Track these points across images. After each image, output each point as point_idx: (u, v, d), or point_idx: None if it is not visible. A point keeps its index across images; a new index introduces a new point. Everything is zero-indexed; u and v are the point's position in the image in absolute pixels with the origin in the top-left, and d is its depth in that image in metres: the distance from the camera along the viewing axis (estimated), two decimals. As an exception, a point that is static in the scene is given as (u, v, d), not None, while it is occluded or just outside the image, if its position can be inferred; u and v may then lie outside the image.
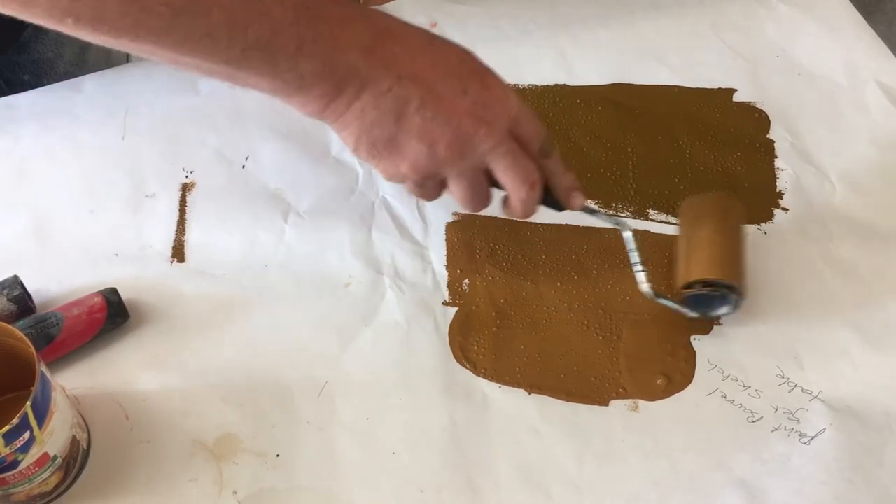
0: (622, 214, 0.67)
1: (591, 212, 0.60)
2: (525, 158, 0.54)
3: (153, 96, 0.74)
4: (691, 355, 0.60)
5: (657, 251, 0.65)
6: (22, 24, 0.73)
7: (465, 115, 0.51)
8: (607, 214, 0.60)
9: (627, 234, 0.60)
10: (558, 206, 0.58)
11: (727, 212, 0.63)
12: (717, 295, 0.59)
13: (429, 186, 0.55)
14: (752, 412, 0.57)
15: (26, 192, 0.68)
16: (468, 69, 0.52)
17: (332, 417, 0.57)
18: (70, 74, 0.78)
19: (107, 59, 0.87)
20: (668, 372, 0.59)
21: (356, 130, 0.51)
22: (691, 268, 0.60)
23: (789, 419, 0.57)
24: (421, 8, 0.82)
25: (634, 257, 0.60)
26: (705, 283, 0.59)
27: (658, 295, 0.60)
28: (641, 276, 0.59)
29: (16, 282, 0.59)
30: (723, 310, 0.60)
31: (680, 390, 0.58)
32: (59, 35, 0.77)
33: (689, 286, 0.60)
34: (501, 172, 0.54)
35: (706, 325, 0.61)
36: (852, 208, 0.68)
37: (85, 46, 0.83)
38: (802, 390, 0.58)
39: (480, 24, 0.81)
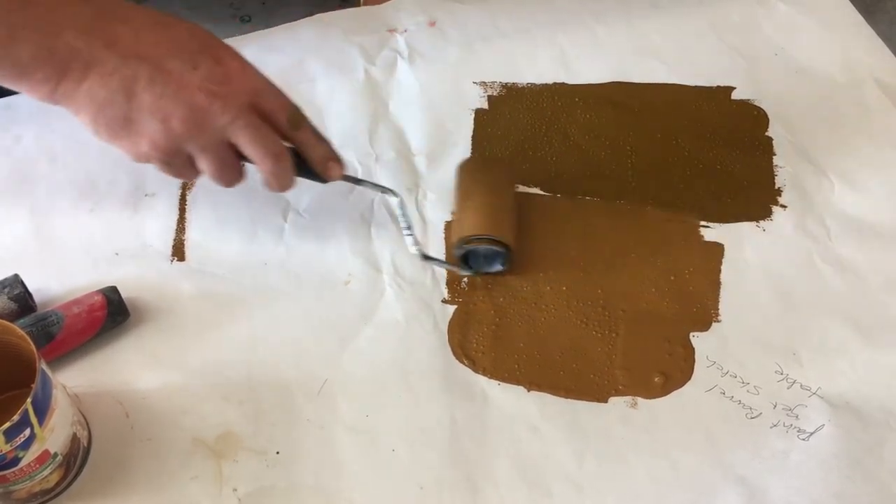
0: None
1: (355, 181, 0.61)
2: (267, 130, 0.55)
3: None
4: (690, 352, 0.60)
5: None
6: None
7: (196, 90, 0.52)
8: (371, 183, 0.62)
9: (395, 200, 0.62)
10: (318, 177, 0.59)
11: (494, 172, 0.66)
12: (486, 251, 0.62)
13: (177, 164, 0.55)
14: (751, 409, 0.57)
15: (27, 192, 0.68)
16: (199, 45, 0.53)
17: (331, 415, 0.57)
18: None
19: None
20: (666, 369, 0.59)
21: (90, 112, 0.52)
22: (463, 226, 0.62)
23: (788, 415, 0.57)
24: (420, 7, 0.82)
25: (403, 222, 0.62)
26: (473, 239, 0.61)
27: (427, 257, 0.62)
28: (409, 240, 0.62)
29: (16, 280, 0.59)
30: (496, 266, 0.62)
31: (678, 387, 0.59)
32: None
33: (459, 245, 0.62)
34: (244, 146, 0.55)
35: (705, 322, 0.62)
36: (850, 205, 0.68)
37: None
38: (801, 387, 0.58)
39: (480, 23, 0.81)
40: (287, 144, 0.57)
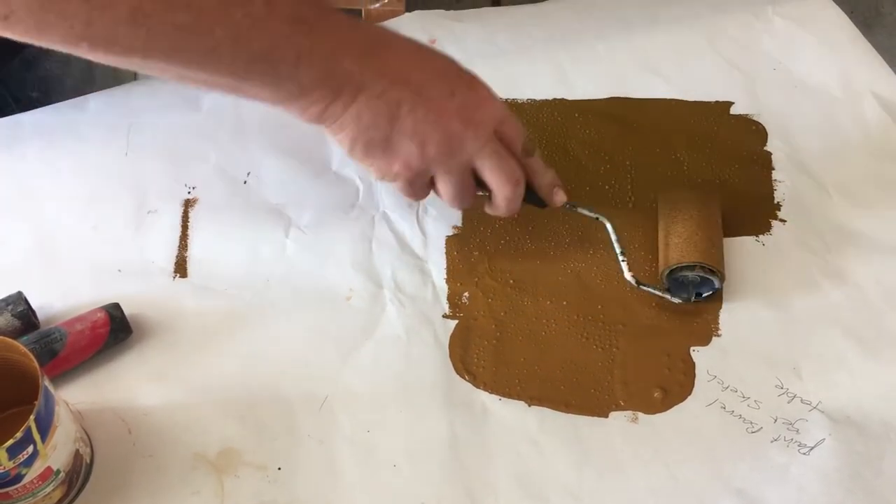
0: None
1: (573, 206, 0.63)
2: (509, 158, 0.57)
3: (156, 114, 0.75)
4: (690, 367, 0.60)
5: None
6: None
7: (453, 116, 0.54)
8: (588, 210, 0.63)
9: (609, 226, 0.62)
10: (541, 202, 0.61)
11: (703, 200, 0.65)
12: (696, 278, 0.61)
13: (418, 185, 0.58)
14: (751, 423, 0.58)
15: (31, 209, 0.69)
16: (455, 74, 0.56)
17: (332, 430, 0.57)
18: (77, 91, 0.79)
19: (114, 76, 0.88)
20: (666, 384, 0.59)
21: (352, 132, 0.54)
22: (669, 254, 0.62)
23: (788, 429, 0.57)
24: (420, 25, 0.83)
25: (617, 248, 0.62)
26: (684, 268, 0.61)
27: (640, 283, 0.62)
28: (624, 266, 0.62)
29: (20, 298, 0.60)
30: (704, 293, 0.62)
31: (679, 402, 0.59)
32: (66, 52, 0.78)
33: (670, 273, 0.62)
34: (488, 171, 0.57)
35: (705, 336, 0.62)
36: (850, 219, 0.68)
37: (93, 64, 0.84)
38: (801, 401, 0.59)
39: (479, 41, 0.82)
40: None
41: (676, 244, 0.62)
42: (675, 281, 0.62)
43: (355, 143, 0.55)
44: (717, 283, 0.62)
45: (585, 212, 0.63)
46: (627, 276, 0.62)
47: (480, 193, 0.60)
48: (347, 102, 0.53)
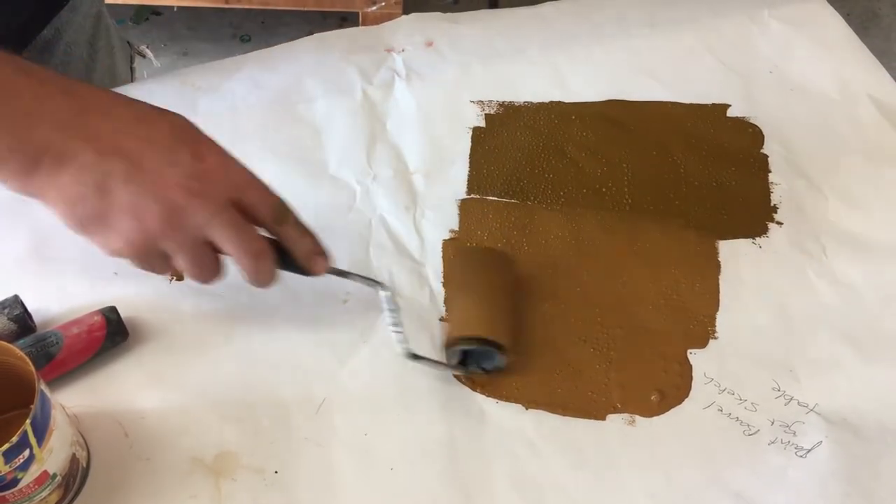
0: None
1: (341, 274, 0.59)
2: (247, 227, 0.54)
3: (152, 116, 0.75)
4: (687, 370, 0.60)
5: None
6: (23, 42, 0.74)
7: (175, 187, 0.51)
8: (359, 276, 0.59)
9: (383, 294, 0.59)
10: (303, 271, 0.57)
11: (490, 265, 0.63)
12: (480, 350, 0.58)
13: (152, 261, 0.54)
14: (748, 425, 0.58)
15: (26, 212, 0.68)
16: (179, 140, 0.52)
17: (330, 434, 0.57)
18: None
19: (111, 79, 0.88)
20: (663, 387, 0.59)
21: (62, 207, 0.51)
22: (453, 326, 0.60)
23: (785, 432, 0.57)
24: (417, 27, 0.83)
25: (390, 318, 0.58)
26: (467, 339, 0.58)
27: (415, 356, 0.58)
28: (396, 337, 0.58)
29: (16, 301, 0.60)
30: (488, 365, 0.59)
31: (676, 404, 0.59)
32: (64, 57, 0.78)
33: (448, 345, 0.59)
34: (223, 244, 0.53)
35: (702, 339, 0.62)
36: (846, 222, 0.69)
37: (90, 68, 0.84)
38: (798, 403, 0.59)
39: (476, 43, 0.82)
40: (269, 236, 0.56)
41: (460, 317, 0.60)
42: (459, 352, 0.59)
43: (67, 219, 0.52)
44: (498, 361, 0.58)
45: (358, 279, 0.59)
46: (398, 348, 0.57)
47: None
48: (51, 175, 0.50)
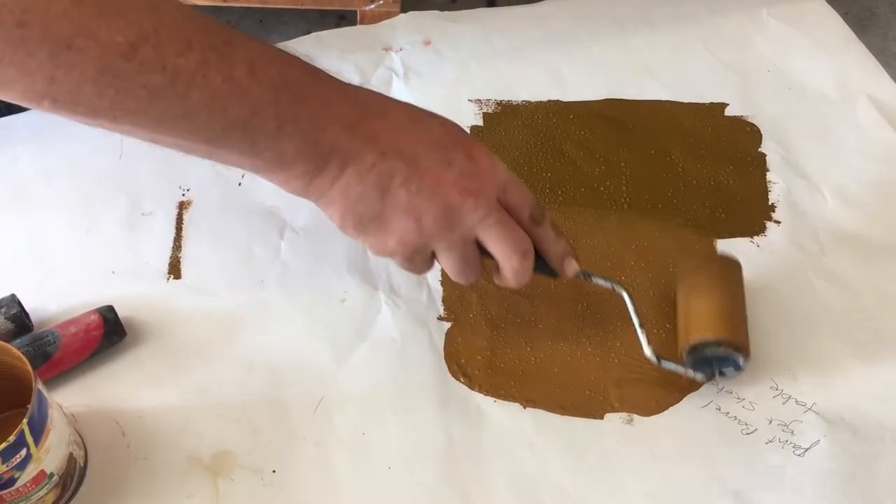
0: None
1: (587, 276, 0.58)
2: (515, 227, 0.54)
3: (150, 115, 0.75)
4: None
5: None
6: None
7: (451, 186, 0.51)
8: (603, 279, 0.59)
9: (627, 298, 0.58)
10: (552, 272, 0.57)
11: (725, 271, 0.62)
12: (720, 355, 0.58)
13: (418, 260, 0.54)
14: (746, 424, 0.58)
15: (24, 211, 0.68)
16: (452, 141, 0.52)
17: (327, 433, 0.57)
18: None
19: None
20: (660, 386, 0.59)
21: (341, 207, 0.51)
22: (690, 329, 0.59)
23: (783, 431, 0.57)
24: (415, 27, 0.83)
25: (636, 320, 0.58)
26: (706, 344, 0.57)
27: (661, 358, 0.58)
28: (643, 339, 0.58)
29: (13, 300, 0.60)
30: (728, 370, 0.58)
31: (674, 404, 0.59)
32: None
33: (692, 349, 0.58)
34: (492, 243, 0.53)
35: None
36: (844, 221, 0.69)
37: None
38: (796, 402, 0.59)
39: (474, 42, 0.82)
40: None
41: (698, 317, 0.59)
42: (697, 357, 0.58)
43: (345, 219, 0.52)
44: (741, 363, 0.58)
45: (601, 282, 0.58)
46: (647, 351, 0.57)
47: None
48: (335, 176, 0.50)
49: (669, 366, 0.58)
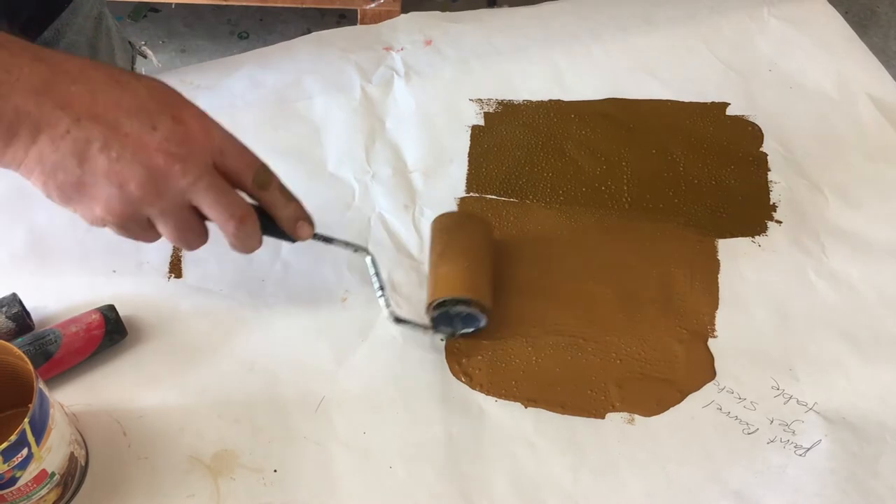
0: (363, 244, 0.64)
1: (326, 240, 0.58)
2: (229, 192, 0.53)
3: (151, 114, 0.75)
4: (686, 367, 0.60)
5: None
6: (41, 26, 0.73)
7: (155, 151, 0.50)
8: (343, 241, 0.59)
9: (367, 259, 0.59)
10: (288, 237, 0.57)
11: (472, 232, 0.63)
12: (463, 313, 0.59)
13: (134, 228, 0.53)
14: (747, 424, 0.58)
15: (25, 210, 0.68)
16: (158, 105, 0.51)
17: (328, 432, 0.57)
18: None
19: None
20: (661, 385, 0.59)
21: (41, 176, 0.50)
22: (436, 288, 0.60)
23: (785, 431, 0.57)
24: (416, 26, 0.83)
25: (376, 282, 0.59)
26: (447, 303, 0.59)
27: (399, 319, 0.60)
28: (382, 302, 0.59)
29: (14, 299, 0.59)
30: (472, 327, 0.60)
31: (675, 403, 0.59)
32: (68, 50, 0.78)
33: (436, 307, 0.60)
34: (206, 209, 0.52)
35: (702, 338, 0.62)
36: (845, 220, 0.69)
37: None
38: (798, 402, 0.59)
39: (475, 41, 0.82)
40: (253, 202, 0.55)
41: (444, 276, 0.60)
42: (442, 315, 0.60)
43: (48, 188, 0.50)
44: (482, 322, 0.60)
45: (342, 245, 0.59)
46: (385, 312, 0.59)
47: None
48: (27, 144, 0.49)
49: (408, 326, 0.60)
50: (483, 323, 0.60)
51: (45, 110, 0.48)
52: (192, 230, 0.54)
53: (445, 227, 0.64)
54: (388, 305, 0.59)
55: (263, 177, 0.54)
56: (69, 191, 0.50)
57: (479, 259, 0.62)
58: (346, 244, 0.59)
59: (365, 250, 0.59)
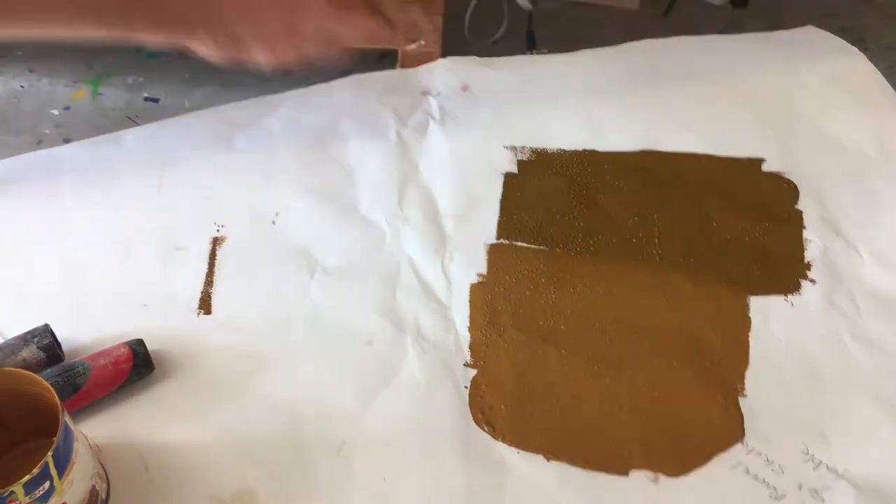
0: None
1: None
2: None
3: (189, 151, 0.76)
4: (714, 428, 0.59)
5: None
6: None
7: None
8: None
9: None
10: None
11: None
12: None
13: None
14: (774, 489, 0.56)
15: (61, 242, 0.70)
16: None
17: (349, 477, 0.57)
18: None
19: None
20: (686, 444, 0.58)
21: None
22: None
23: (813, 497, 0.56)
24: (453, 71, 0.84)
25: None
26: None
27: None
28: None
29: (46, 330, 0.60)
30: None
31: (702, 464, 0.57)
32: None
33: None
34: None
35: (730, 397, 0.61)
36: (881, 282, 0.67)
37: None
38: (828, 468, 0.57)
39: (511, 89, 0.82)
40: None
41: None
42: None
43: None
44: None
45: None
46: None
47: None
48: None
49: None
50: None
51: None
52: None
53: None
54: None
55: None
56: None
57: None
58: None
59: None
